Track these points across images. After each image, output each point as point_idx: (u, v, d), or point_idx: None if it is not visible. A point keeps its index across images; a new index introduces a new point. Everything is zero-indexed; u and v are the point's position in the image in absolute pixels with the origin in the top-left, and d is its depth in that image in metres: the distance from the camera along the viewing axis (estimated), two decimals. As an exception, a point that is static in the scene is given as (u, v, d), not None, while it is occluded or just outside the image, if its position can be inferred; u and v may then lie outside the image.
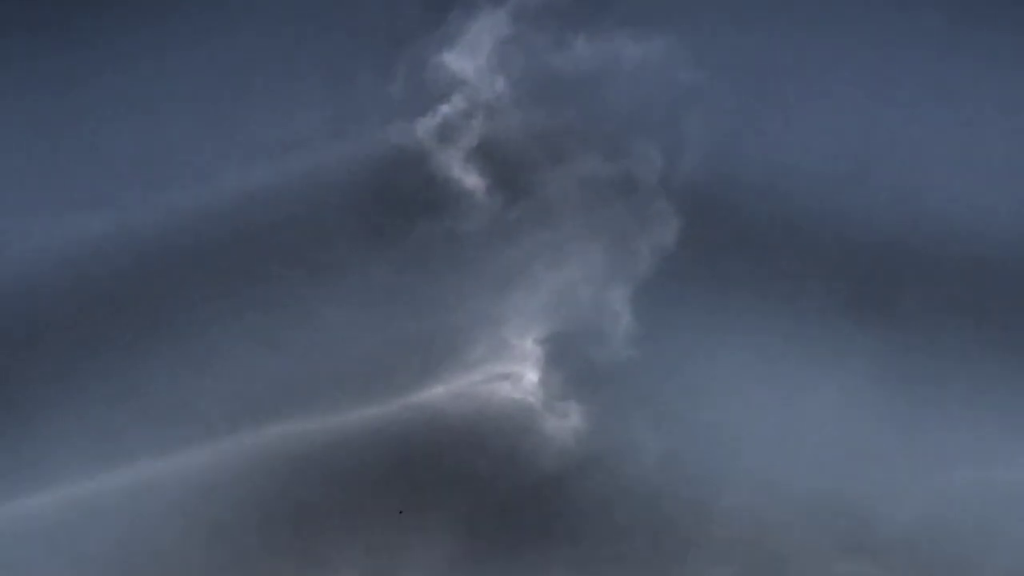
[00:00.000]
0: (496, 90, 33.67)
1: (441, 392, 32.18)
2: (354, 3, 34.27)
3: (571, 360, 32.29)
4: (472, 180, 33.32)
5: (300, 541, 31.08)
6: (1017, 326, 31.61)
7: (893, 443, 30.99)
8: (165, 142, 34.11)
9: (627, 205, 33.06)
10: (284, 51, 34.29)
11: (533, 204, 33.20)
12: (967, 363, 31.27)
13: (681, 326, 32.23)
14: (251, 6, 34.54)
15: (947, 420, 30.92)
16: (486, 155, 33.42)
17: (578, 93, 33.66)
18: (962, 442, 30.75)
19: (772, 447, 31.14)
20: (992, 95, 33.05)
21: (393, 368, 32.35)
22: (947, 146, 33.10)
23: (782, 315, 31.98)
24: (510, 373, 32.45)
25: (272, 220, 33.25)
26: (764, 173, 32.90)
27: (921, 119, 33.32)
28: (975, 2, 33.38)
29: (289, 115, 33.95)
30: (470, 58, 33.75)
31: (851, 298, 32.07)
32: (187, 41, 34.55)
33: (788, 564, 30.30)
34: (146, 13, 34.44)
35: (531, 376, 32.38)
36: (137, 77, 34.38)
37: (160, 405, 32.07)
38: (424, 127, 33.55)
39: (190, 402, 32.10)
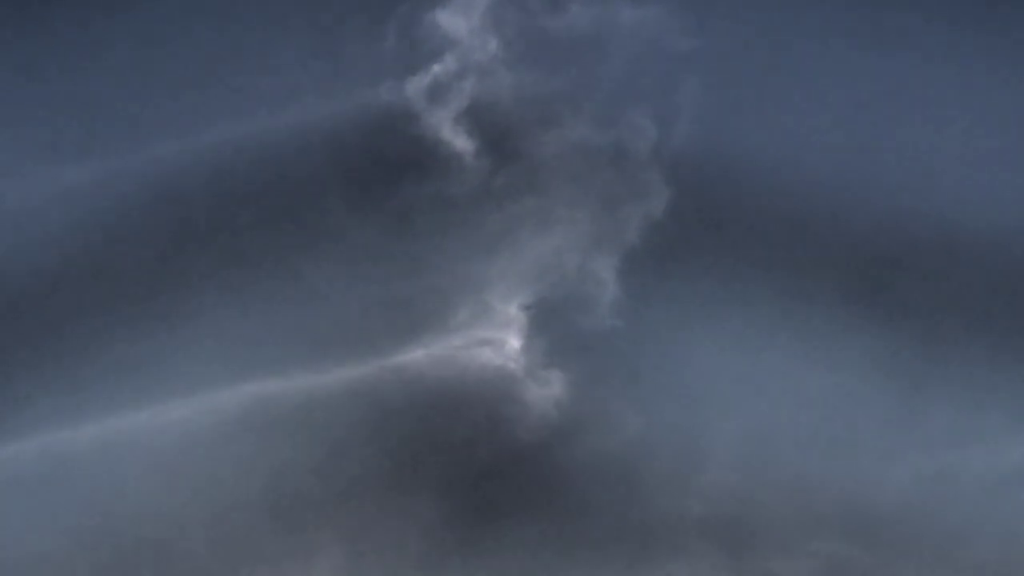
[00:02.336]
0: (489, 51, 33.29)
1: (421, 356, 31.88)
2: (347, -41, 33.90)
3: (555, 328, 32.02)
4: (461, 142, 32.99)
5: (274, 500, 30.82)
6: (1013, 314, 31.34)
7: (879, 424, 30.75)
8: (150, 94, 33.77)
9: (617, 173, 32.73)
10: (273, 5, 33.89)
11: (522, 169, 32.88)
12: (955, 346, 31.03)
13: (668, 298, 31.94)
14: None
15: (934, 403, 30.65)
16: (476, 117, 33.07)
17: (572, 57, 33.31)
18: (948, 426, 30.51)
19: (756, 424, 30.89)
20: (1002, 84, 32.67)
21: (373, 330, 32.06)
22: (953, 125, 32.83)
23: (771, 290, 31.70)
24: (492, 339, 32.14)
25: (256, 177, 32.93)
26: (760, 147, 32.58)
27: (925, 92, 32.98)
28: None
29: (277, 70, 33.59)
30: (463, 17, 33.35)
31: (844, 275, 31.76)
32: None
33: (768, 541, 30.05)
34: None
35: (514, 342, 32.10)
36: (123, 28, 34.02)
37: (136, 359, 31.78)
38: (414, 87, 33.20)
39: (166, 357, 31.82)
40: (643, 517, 30.31)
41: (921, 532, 29.65)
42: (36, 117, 33.47)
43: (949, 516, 29.71)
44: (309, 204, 32.79)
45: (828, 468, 30.28)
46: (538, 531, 30.30)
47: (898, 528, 29.74)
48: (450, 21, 33.32)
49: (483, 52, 33.26)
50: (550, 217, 32.62)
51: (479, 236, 32.49)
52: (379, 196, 32.78)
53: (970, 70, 32.88)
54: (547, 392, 31.54)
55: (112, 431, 31.14)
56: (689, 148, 32.63)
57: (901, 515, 29.82)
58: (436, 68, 33.22)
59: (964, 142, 32.50)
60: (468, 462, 31.16)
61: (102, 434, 31.09)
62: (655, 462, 30.59)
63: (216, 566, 30.23)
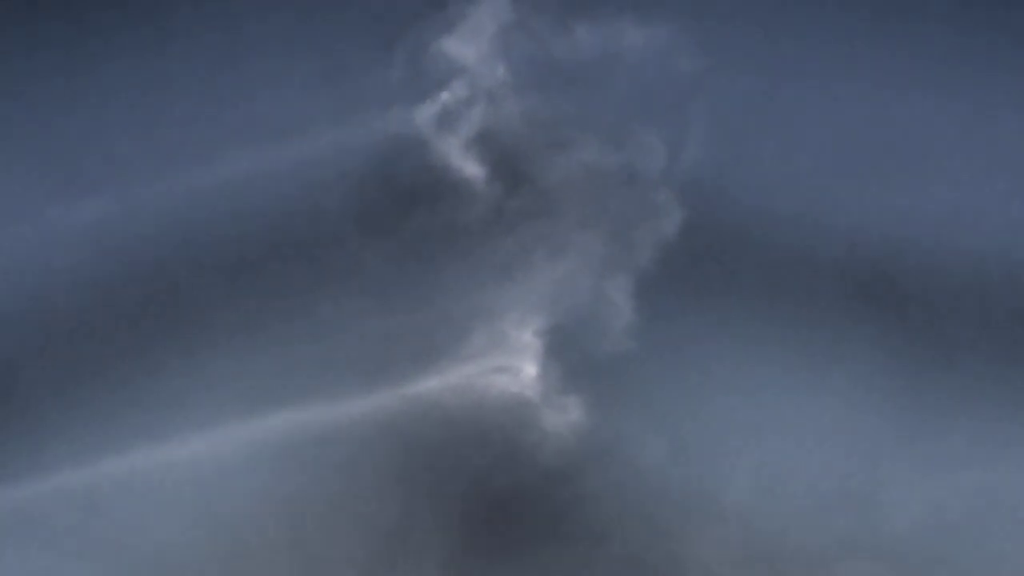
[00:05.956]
0: (497, 77, 33.23)
1: (437, 384, 31.77)
2: (354, -13, 33.83)
3: (570, 353, 31.91)
4: (471, 169, 32.92)
5: (294, 532, 30.72)
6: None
7: (897, 443, 30.64)
8: (161, 127, 33.68)
9: (629, 195, 32.68)
10: (283, 35, 33.82)
11: (533, 194, 32.81)
12: (974, 366, 30.94)
13: (682, 319, 31.85)
14: (250, -11, 34.10)
15: (953, 422, 30.55)
16: (486, 143, 33.01)
17: (580, 80, 33.23)
18: (967, 444, 30.41)
19: (774, 445, 30.79)
20: (1004, 91, 32.61)
21: (389, 359, 31.95)
22: (957, 143, 32.70)
23: (786, 311, 31.61)
24: (508, 366, 32.05)
25: (268, 207, 32.83)
26: (770, 166, 32.53)
27: (932, 113, 32.89)
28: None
29: (286, 100, 33.51)
30: (471, 44, 33.27)
31: (857, 296, 31.68)
32: (186, 24, 34.06)
33: (789, 564, 29.95)
34: (144, -4, 34.04)
35: (529, 369, 31.99)
36: (135, 60, 33.93)
37: (154, 394, 31.71)
38: (423, 114, 33.11)
39: (183, 391, 31.73)
40: (665, 540, 30.21)
41: (945, 552, 29.57)
42: (48, 156, 33.41)
43: (973, 535, 29.65)
44: (320, 235, 32.73)
45: (850, 489, 30.22)
46: (558, 561, 30.20)
47: (922, 548, 29.65)
48: (458, 48, 33.26)
49: (491, 78, 33.23)
50: (562, 241, 32.57)
51: (492, 262, 32.42)
52: (390, 225, 32.70)
53: (979, 82, 32.83)
54: (564, 418, 31.45)
55: (129, 467, 31.06)
56: (699, 168, 32.59)
57: (925, 535, 29.73)
58: (445, 95, 33.18)
59: (974, 163, 32.46)
60: (486, 490, 31.06)
61: (119, 471, 31.00)
62: (676, 485, 30.50)
63: (237, 601, 30.20)
